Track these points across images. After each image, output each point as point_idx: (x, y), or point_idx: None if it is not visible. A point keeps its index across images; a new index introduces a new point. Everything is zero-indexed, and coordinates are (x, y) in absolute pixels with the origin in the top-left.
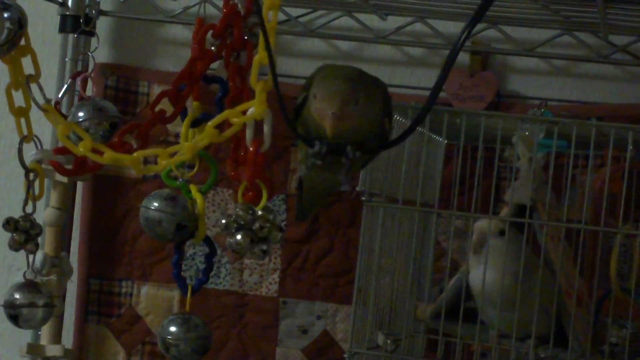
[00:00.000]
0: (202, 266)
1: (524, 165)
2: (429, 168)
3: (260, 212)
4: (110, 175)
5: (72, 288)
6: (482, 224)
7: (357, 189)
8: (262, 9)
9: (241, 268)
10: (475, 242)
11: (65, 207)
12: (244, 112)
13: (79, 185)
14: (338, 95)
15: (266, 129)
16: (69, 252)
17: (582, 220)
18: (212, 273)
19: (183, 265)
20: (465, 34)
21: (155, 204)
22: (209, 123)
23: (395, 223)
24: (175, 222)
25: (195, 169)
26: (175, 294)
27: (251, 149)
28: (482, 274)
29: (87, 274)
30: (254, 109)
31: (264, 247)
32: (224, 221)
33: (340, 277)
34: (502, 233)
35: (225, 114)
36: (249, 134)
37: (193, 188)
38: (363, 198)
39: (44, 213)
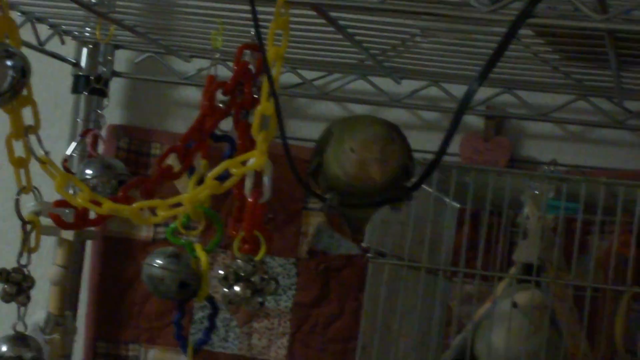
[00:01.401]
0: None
1: (532, 224)
2: (439, 230)
3: (259, 264)
4: (120, 237)
5: (79, 350)
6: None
7: (363, 244)
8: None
9: (250, 332)
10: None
11: (71, 266)
12: (245, 163)
13: (88, 245)
14: (379, 140)
15: (266, 179)
16: (76, 312)
17: (590, 279)
18: (221, 337)
19: (192, 328)
20: (473, 90)
21: (159, 261)
22: (209, 174)
23: (402, 285)
24: (178, 280)
25: (200, 228)
26: (183, 357)
27: (250, 199)
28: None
29: (95, 336)
30: (254, 159)
31: (261, 299)
32: (221, 272)
33: (349, 342)
34: (514, 305)
35: (225, 164)
36: (248, 184)
37: (197, 246)
38: (369, 255)
39: (49, 271)
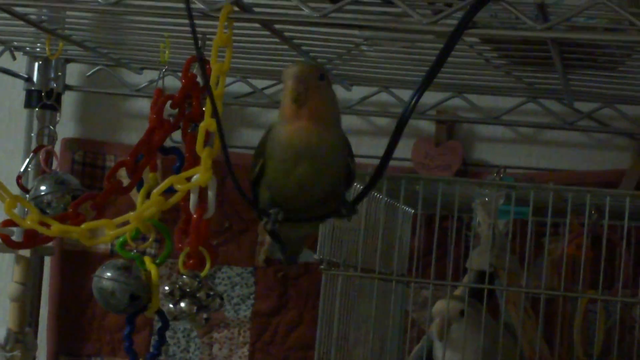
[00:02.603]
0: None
1: (484, 232)
2: (392, 237)
3: (205, 280)
4: (78, 251)
5: None
6: (440, 307)
7: (315, 257)
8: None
9: (210, 342)
10: (439, 328)
11: (30, 282)
12: (189, 179)
13: (47, 260)
14: (298, 68)
15: (210, 195)
16: (37, 327)
17: (543, 285)
18: (182, 347)
19: (152, 340)
20: (414, 98)
21: (109, 274)
22: (154, 191)
23: (356, 294)
24: (129, 293)
25: (150, 240)
26: None
27: (195, 215)
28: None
29: (56, 350)
30: (198, 175)
31: (206, 315)
32: (167, 287)
33: (310, 349)
34: (462, 314)
35: (170, 180)
36: (193, 200)
37: (147, 259)
38: (322, 267)
39: (8, 288)
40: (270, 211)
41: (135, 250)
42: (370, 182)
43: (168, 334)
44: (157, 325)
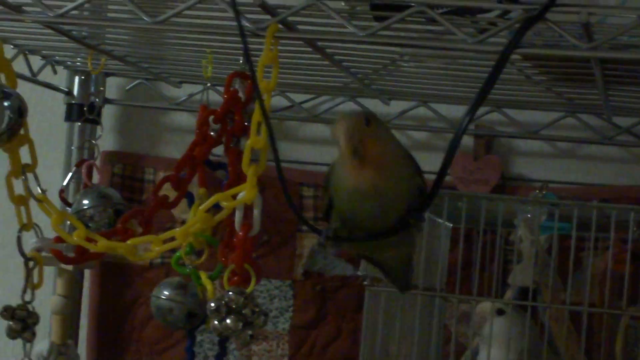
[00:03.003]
0: (210, 352)
1: (526, 248)
2: (433, 253)
3: (250, 297)
4: (117, 263)
5: None
6: (482, 306)
7: (359, 273)
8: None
9: (249, 355)
10: (476, 325)
11: (72, 295)
12: (235, 196)
13: (87, 273)
14: (346, 124)
15: (256, 212)
16: (76, 340)
17: (586, 302)
18: None
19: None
20: (468, 118)
21: (166, 293)
22: (200, 207)
23: (398, 308)
24: (186, 310)
25: (204, 255)
26: None
27: (240, 232)
28: (487, 355)
29: None
30: (244, 192)
31: (251, 332)
32: (212, 304)
33: None
34: (500, 312)
35: (216, 197)
36: (238, 217)
37: (203, 275)
38: (365, 283)
39: (50, 301)
40: (323, 229)
41: (190, 266)
42: (429, 198)
43: (206, 345)
44: (198, 336)
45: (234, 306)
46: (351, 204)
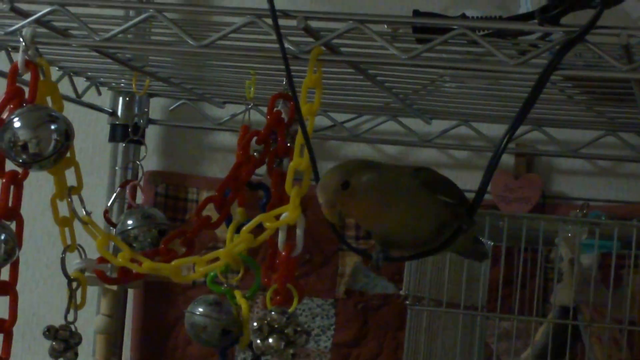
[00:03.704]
0: None
1: (565, 267)
2: (474, 270)
3: (292, 316)
4: (160, 282)
5: None
6: None
7: (402, 292)
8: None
9: None
10: None
11: (116, 314)
12: (278, 217)
13: (130, 292)
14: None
15: (299, 233)
16: (120, 358)
17: (626, 320)
18: None
19: None
20: (507, 137)
21: (201, 309)
22: (244, 227)
23: (440, 326)
24: (221, 328)
25: (240, 274)
26: None
27: (283, 253)
28: None
29: None
30: (287, 213)
31: (293, 351)
32: (255, 324)
33: None
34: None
35: (259, 218)
36: (281, 237)
37: (237, 294)
38: (407, 302)
39: (95, 320)
40: (372, 253)
41: (225, 285)
42: (472, 206)
43: None
44: (238, 355)
45: (276, 326)
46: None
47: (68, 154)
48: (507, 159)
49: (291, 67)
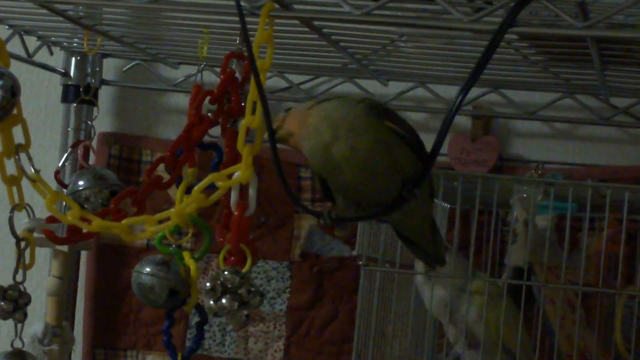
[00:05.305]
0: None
1: (520, 228)
2: None
3: (246, 277)
4: (114, 244)
5: (77, 358)
6: None
7: (355, 252)
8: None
9: (246, 336)
10: None
11: (67, 276)
12: (230, 176)
13: (83, 254)
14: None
15: (251, 192)
16: (73, 321)
17: (580, 282)
18: (218, 341)
19: (189, 333)
20: (460, 97)
21: (148, 269)
22: (195, 187)
23: (394, 288)
24: (168, 288)
25: (188, 235)
26: None
27: (236, 213)
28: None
29: (92, 343)
30: (239, 172)
31: (247, 312)
32: (208, 284)
33: (345, 343)
34: None
35: (211, 177)
36: (234, 197)
37: (186, 254)
38: (360, 262)
39: (46, 282)
40: (323, 211)
41: (173, 245)
42: (423, 172)
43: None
44: (193, 319)
45: (229, 286)
46: (328, 172)
47: (15, 111)
48: (464, 121)
49: (246, 24)
